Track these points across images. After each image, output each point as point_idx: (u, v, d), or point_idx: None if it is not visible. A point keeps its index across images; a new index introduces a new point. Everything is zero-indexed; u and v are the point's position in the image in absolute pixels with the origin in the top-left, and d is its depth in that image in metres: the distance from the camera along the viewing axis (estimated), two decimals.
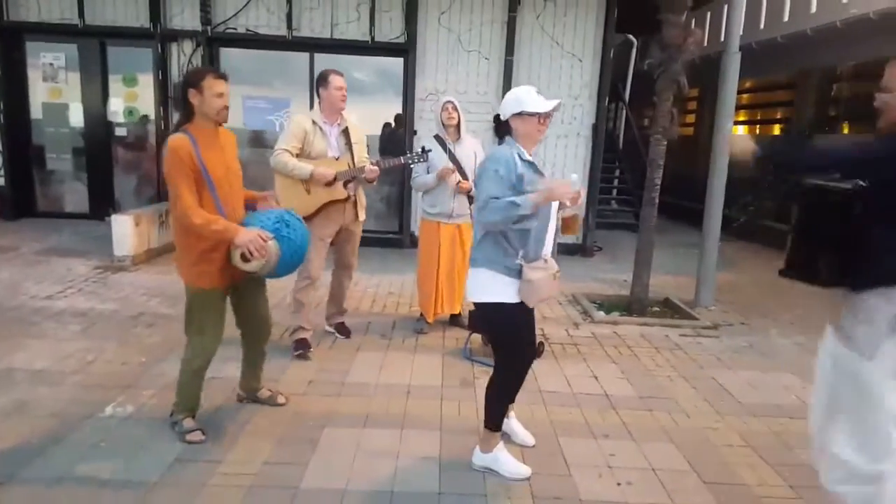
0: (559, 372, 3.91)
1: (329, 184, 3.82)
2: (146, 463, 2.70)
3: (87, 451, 2.78)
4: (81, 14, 7.44)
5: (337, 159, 3.94)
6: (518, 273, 2.55)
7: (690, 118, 13.81)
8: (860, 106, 7.49)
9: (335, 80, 3.87)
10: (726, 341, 4.64)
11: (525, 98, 2.58)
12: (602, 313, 5.10)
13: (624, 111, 11.97)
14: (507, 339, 2.69)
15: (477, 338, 4.29)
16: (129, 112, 7.99)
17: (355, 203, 4.08)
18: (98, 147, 8.01)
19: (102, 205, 7.99)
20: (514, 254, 2.55)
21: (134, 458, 2.74)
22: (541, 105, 2.58)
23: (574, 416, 3.30)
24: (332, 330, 4.39)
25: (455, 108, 4.27)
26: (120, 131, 8.04)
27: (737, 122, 11.98)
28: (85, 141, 8.01)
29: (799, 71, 9.48)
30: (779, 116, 10.91)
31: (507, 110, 2.61)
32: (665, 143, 5.16)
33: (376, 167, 3.90)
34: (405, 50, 7.47)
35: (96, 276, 5.71)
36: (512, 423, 3.03)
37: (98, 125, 7.96)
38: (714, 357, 4.28)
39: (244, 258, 2.70)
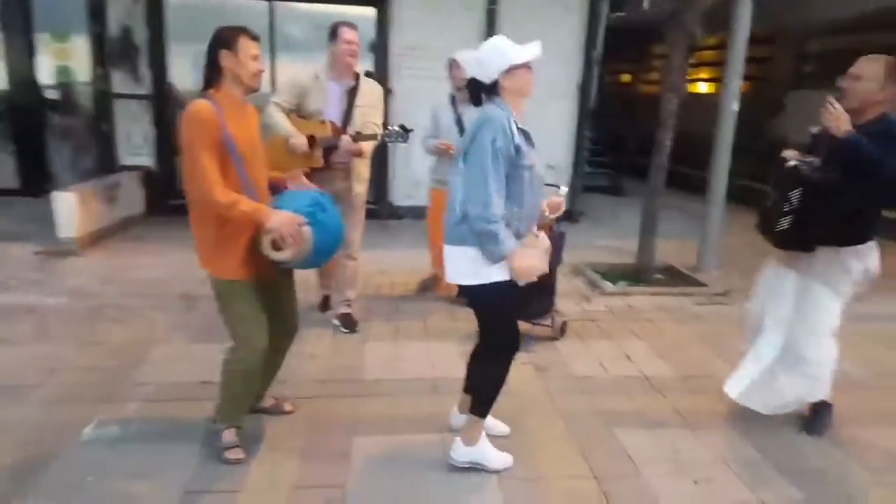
0: (588, 353, 3.65)
1: (308, 149, 3.45)
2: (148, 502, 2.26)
3: (71, 492, 2.30)
4: None
5: (322, 122, 3.51)
6: None
7: (657, 75, 13.70)
8: (842, 62, 7.45)
9: (344, 33, 3.45)
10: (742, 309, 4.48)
11: (507, 49, 2.21)
12: (610, 284, 4.87)
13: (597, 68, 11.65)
14: (501, 320, 2.39)
15: None
16: (62, 72, 7.03)
17: (349, 173, 3.65)
18: (26, 113, 7.01)
19: (36, 179, 7.07)
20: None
21: (132, 498, 2.28)
22: (526, 52, 2.22)
23: (621, 404, 3.04)
24: (337, 322, 3.94)
25: (460, 66, 3.82)
26: (51, 95, 7.08)
27: (701, 80, 11.91)
28: (10, 106, 7.00)
29: (776, 26, 9.37)
30: (753, 74, 10.84)
31: (491, 69, 2.22)
32: (677, 101, 4.89)
33: (352, 140, 3.49)
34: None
35: (39, 262, 5.01)
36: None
37: (25, 88, 6.95)
38: (736, 326, 4.10)
39: (275, 246, 2.28)
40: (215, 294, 2.43)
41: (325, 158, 3.53)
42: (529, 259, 2.22)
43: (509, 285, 2.26)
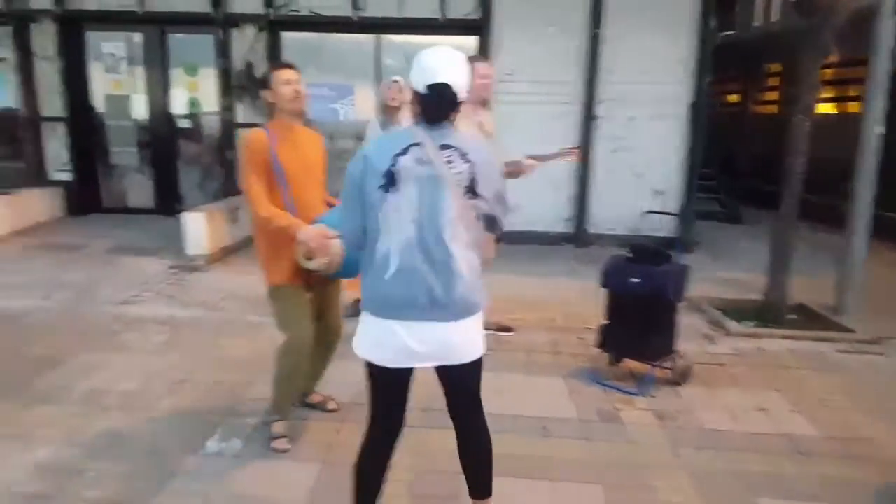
0: (716, 402, 3.31)
1: None
2: None
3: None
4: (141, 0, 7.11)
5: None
6: None
7: (772, 95, 12.76)
8: None
9: (480, 69, 3.46)
10: None
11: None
12: (735, 324, 4.45)
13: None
14: None
15: (604, 357, 3.75)
16: (192, 103, 7.67)
17: None
18: (162, 140, 7.72)
19: (168, 200, 7.74)
20: None
21: None
22: None
23: (759, 466, 2.70)
24: None
25: (401, 90, 3.95)
26: (183, 123, 7.74)
27: (822, 100, 10.87)
28: (149, 134, 7.73)
29: None
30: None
31: (467, 81, 1.88)
32: (809, 123, 4.44)
33: (534, 160, 3.66)
34: (479, 27, 6.86)
35: (171, 277, 5.39)
36: None
37: (161, 117, 7.66)
38: (893, 381, 3.60)
39: (307, 256, 2.51)
40: (267, 298, 2.75)
41: None
42: None
43: None
